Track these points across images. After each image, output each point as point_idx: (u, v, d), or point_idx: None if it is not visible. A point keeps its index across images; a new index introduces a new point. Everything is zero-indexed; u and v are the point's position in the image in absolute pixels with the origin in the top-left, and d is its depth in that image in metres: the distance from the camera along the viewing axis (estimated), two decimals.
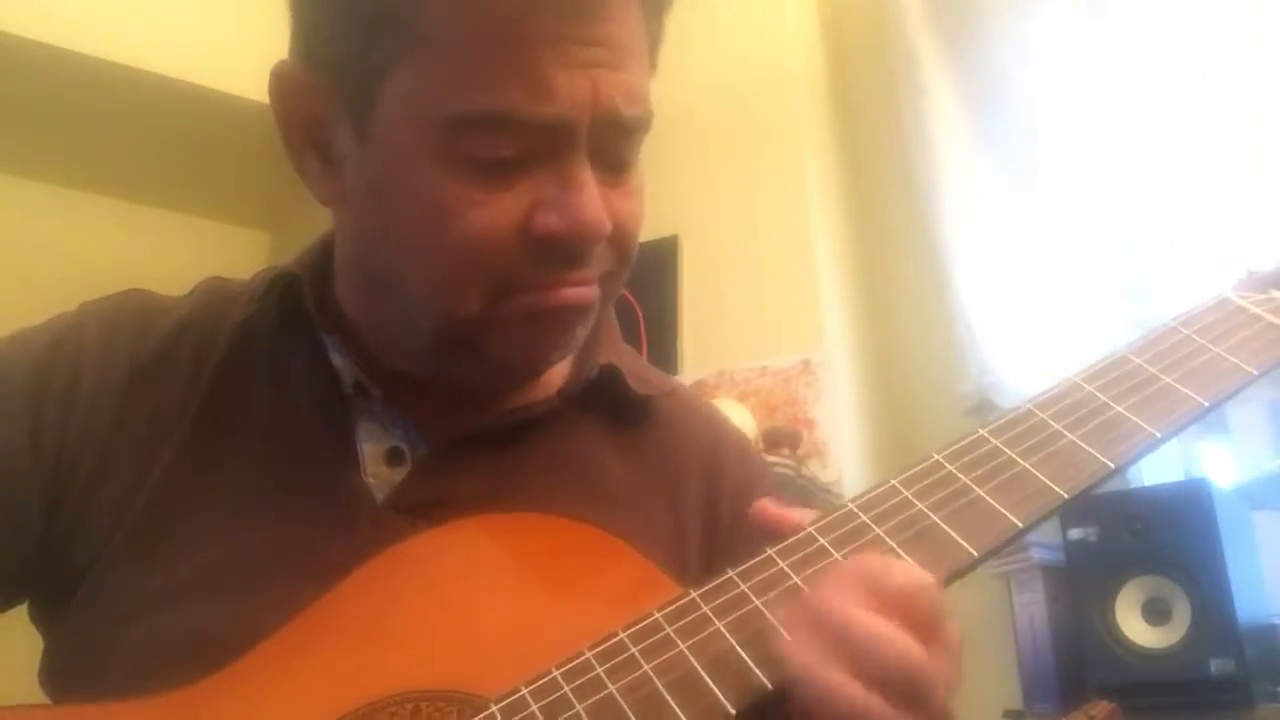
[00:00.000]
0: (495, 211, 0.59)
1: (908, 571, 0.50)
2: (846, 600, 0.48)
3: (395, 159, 0.60)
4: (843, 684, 0.46)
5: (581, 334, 0.67)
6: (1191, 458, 1.89)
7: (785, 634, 0.49)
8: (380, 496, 0.67)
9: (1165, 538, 1.62)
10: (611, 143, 0.61)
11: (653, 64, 0.67)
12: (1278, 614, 1.66)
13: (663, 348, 2.35)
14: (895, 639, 0.47)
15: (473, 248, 0.59)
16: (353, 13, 0.59)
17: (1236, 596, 1.54)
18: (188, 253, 3.00)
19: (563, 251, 0.61)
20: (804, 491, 2.03)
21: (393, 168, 0.61)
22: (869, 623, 0.47)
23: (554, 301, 0.62)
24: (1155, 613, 1.62)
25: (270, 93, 0.65)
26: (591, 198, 0.60)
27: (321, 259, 0.73)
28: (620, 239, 0.64)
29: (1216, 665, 1.52)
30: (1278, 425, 1.83)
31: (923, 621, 0.48)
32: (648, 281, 2.32)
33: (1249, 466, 1.82)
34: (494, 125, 0.57)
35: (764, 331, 2.30)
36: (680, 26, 0.68)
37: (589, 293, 0.64)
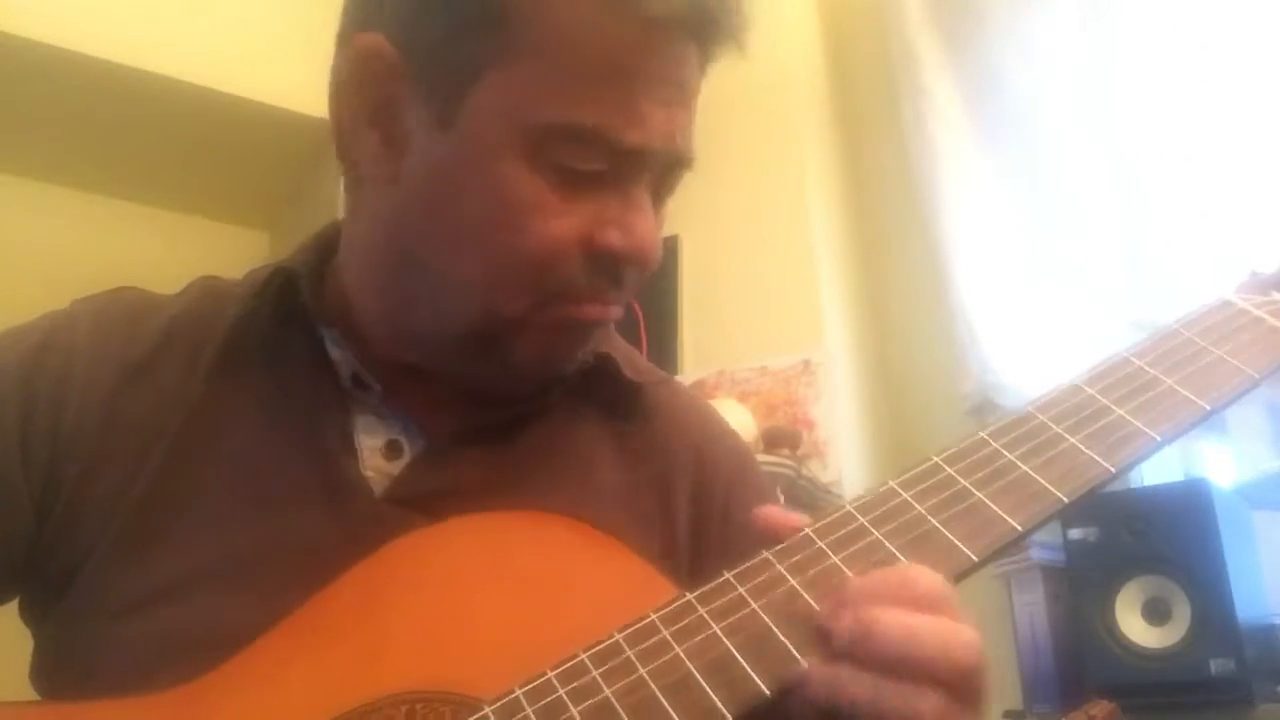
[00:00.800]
0: (567, 220, 0.62)
1: (930, 575, 0.50)
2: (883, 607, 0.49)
3: (480, 151, 0.62)
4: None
5: (590, 346, 0.71)
6: (1191, 458, 1.89)
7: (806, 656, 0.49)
8: (378, 489, 0.67)
9: (1165, 538, 1.61)
10: (667, 176, 0.66)
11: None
12: (1278, 614, 1.66)
13: (663, 348, 2.35)
14: (954, 630, 0.49)
15: (540, 250, 0.62)
16: (460, 6, 0.61)
17: (1236, 596, 1.54)
18: (188, 253, 3.00)
19: (615, 269, 0.64)
20: (804, 491, 2.03)
21: (475, 159, 0.62)
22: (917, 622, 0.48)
23: (588, 314, 0.66)
24: (1155, 613, 1.61)
25: (355, 59, 0.64)
26: (651, 223, 0.64)
27: (318, 254, 0.73)
28: (651, 263, 0.67)
29: (1216, 665, 1.51)
30: (1278, 425, 1.83)
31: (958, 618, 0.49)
32: (648, 281, 2.31)
33: (1249, 466, 1.82)
34: (586, 141, 0.60)
35: (764, 331, 2.30)
36: None
37: (616, 311, 0.68)
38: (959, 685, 0.47)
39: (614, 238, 0.62)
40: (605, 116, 0.60)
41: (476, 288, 0.64)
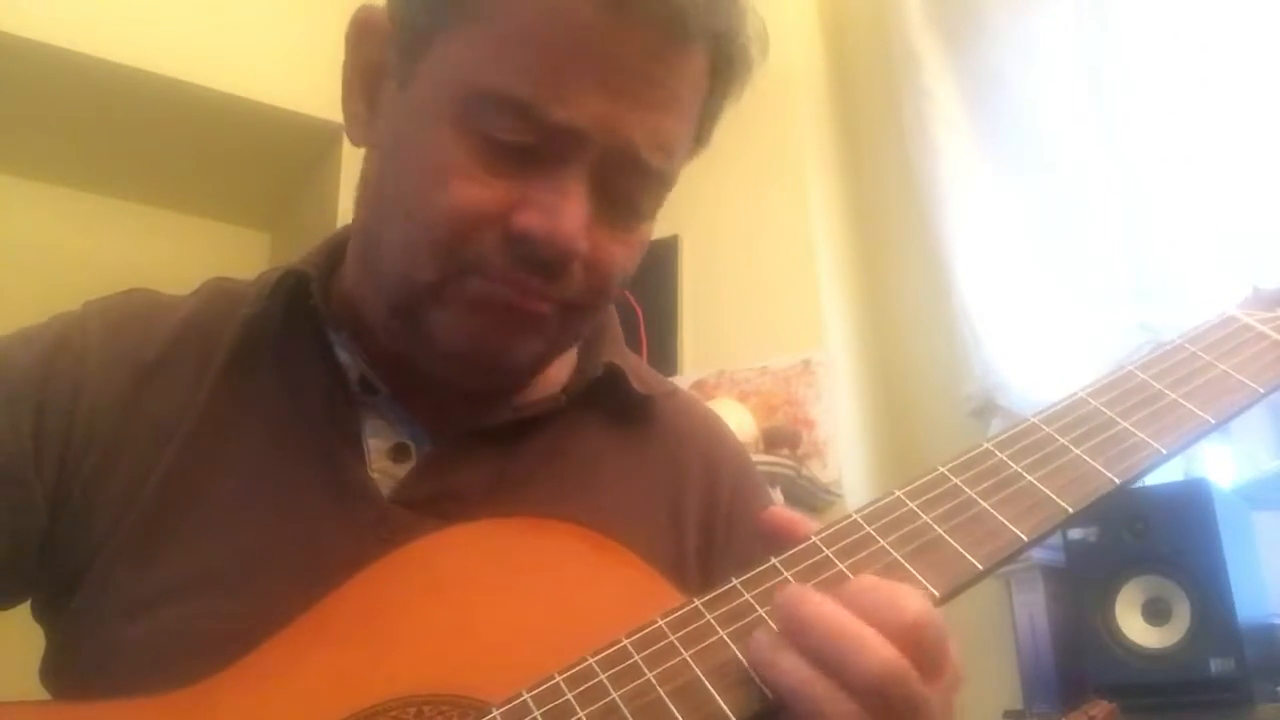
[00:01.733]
0: (484, 190, 0.60)
1: (919, 603, 0.48)
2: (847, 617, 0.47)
3: (419, 115, 0.62)
4: (830, 697, 0.46)
5: (530, 345, 0.66)
6: (1191, 458, 1.89)
7: (769, 642, 0.48)
8: (385, 492, 0.67)
9: (1165, 538, 1.61)
10: (623, 180, 0.62)
11: (701, 139, 0.68)
12: (1278, 614, 1.67)
13: (663, 348, 2.36)
14: (892, 656, 0.46)
15: (450, 217, 0.60)
16: None
17: (1236, 596, 1.54)
18: (188, 253, 3.01)
19: (531, 254, 0.60)
20: (804, 491, 2.04)
21: (414, 121, 0.62)
22: (869, 640, 0.46)
23: (503, 297, 0.62)
24: (1155, 613, 1.62)
25: (349, 28, 0.67)
26: (575, 212, 0.60)
27: (328, 258, 0.74)
28: (596, 272, 0.64)
29: (1216, 665, 1.52)
30: (1278, 425, 1.83)
31: (931, 654, 0.47)
32: (648, 281, 2.32)
33: (1249, 466, 1.83)
34: (513, 110, 0.58)
35: (764, 331, 2.30)
36: None
37: (541, 306, 0.63)
38: (876, 703, 0.45)
39: (532, 219, 0.60)
40: (534, 88, 0.58)
41: (396, 251, 0.63)
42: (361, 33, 0.67)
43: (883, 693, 0.45)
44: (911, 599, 0.48)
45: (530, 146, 0.59)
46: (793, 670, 0.47)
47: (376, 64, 0.66)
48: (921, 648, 0.47)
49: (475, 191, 0.60)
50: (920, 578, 0.51)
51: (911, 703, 0.46)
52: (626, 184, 0.63)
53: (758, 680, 0.48)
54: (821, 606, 0.47)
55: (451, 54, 0.60)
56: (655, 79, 0.60)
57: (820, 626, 0.47)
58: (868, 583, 0.49)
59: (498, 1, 0.59)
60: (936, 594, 0.50)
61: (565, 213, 0.60)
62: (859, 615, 0.47)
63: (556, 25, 0.58)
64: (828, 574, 0.52)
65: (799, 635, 0.47)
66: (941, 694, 0.48)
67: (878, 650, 0.46)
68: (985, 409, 2.08)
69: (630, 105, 0.59)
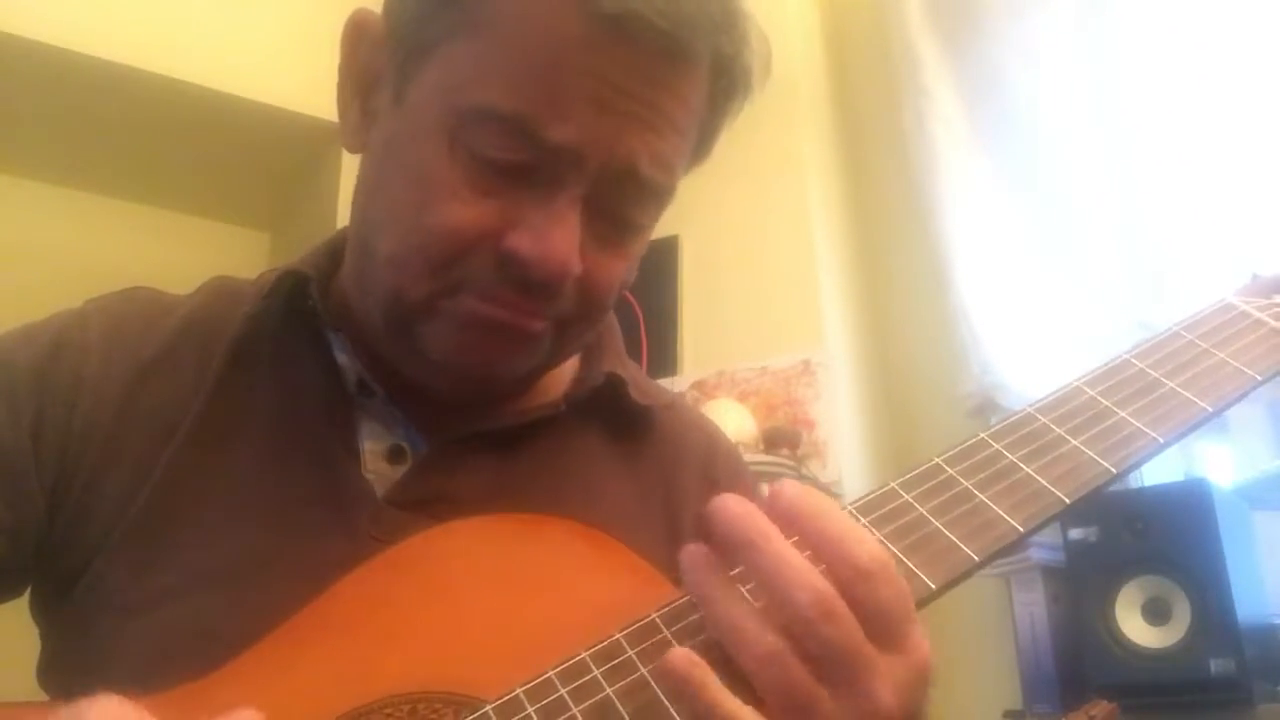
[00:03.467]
0: (476, 211, 0.59)
1: (874, 551, 0.46)
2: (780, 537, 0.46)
3: (413, 128, 0.61)
4: (746, 627, 0.45)
5: (521, 360, 0.66)
6: (1191, 458, 1.89)
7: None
8: (380, 493, 0.67)
9: (1165, 538, 1.61)
10: (621, 198, 0.61)
11: (701, 154, 0.68)
12: (1278, 614, 1.66)
13: (663, 348, 2.35)
14: (823, 586, 0.44)
15: (441, 235, 0.60)
16: None
17: (1236, 596, 1.54)
18: (188, 253, 3.00)
19: (522, 277, 0.60)
20: None
21: (408, 135, 0.62)
22: (795, 563, 0.45)
23: (494, 315, 0.62)
24: (1155, 613, 1.62)
25: (345, 32, 0.66)
26: (567, 236, 0.59)
27: (328, 259, 0.74)
28: (590, 291, 0.64)
29: (1216, 665, 1.51)
30: (1278, 425, 1.83)
31: (882, 612, 0.45)
32: (648, 281, 2.31)
33: (1249, 466, 1.82)
34: (505, 129, 0.58)
35: (764, 331, 2.30)
36: None
37: (533, 325, 0.63)
38: (807, 643, 0.44)
39: (522, 242, 0.59)
40: (529, 106, 0.57)
41: (387, 266, 0.63)
42: (357, 36, 0.66)
43: (810, 629, 0.44)
44: (865, 544, 0.47)
45: (525, 165, 0.59)
46: (722, 598, 0.46)
47: (372, 69, 0.65)
48: (868, 602, 0.45)
49: (467, 212, 0.59)
50: (917, 570, 0.51)
51: (848, 652, 0.44)
52: (623, 200, 0.62)
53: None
54: (756, 521, 0.46)
55: (448, 69, 0.60)
56: (654, 99, 0.59)
57: (749, 545, 0.46)
58: (825, 508, 0.48)
59: (496, 18, 0.58)
60: (933, 586, 0.50)
61: (557, 236, 0.59)
62: (802, 543, 0.46)
63: (554, 44, 0.57)
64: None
65: (732, 551, 0.47)
66: (903, 671, 0.46)
67: (805, 575, 0.45)
68: (983, 407, 2.08)
69: (628, 125, 0.59)
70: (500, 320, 0.62)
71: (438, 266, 0.61)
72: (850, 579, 0.46)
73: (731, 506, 0.48)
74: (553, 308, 0.63)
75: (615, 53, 0.57)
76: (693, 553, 0.49)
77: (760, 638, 0.45)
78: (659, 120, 0.60)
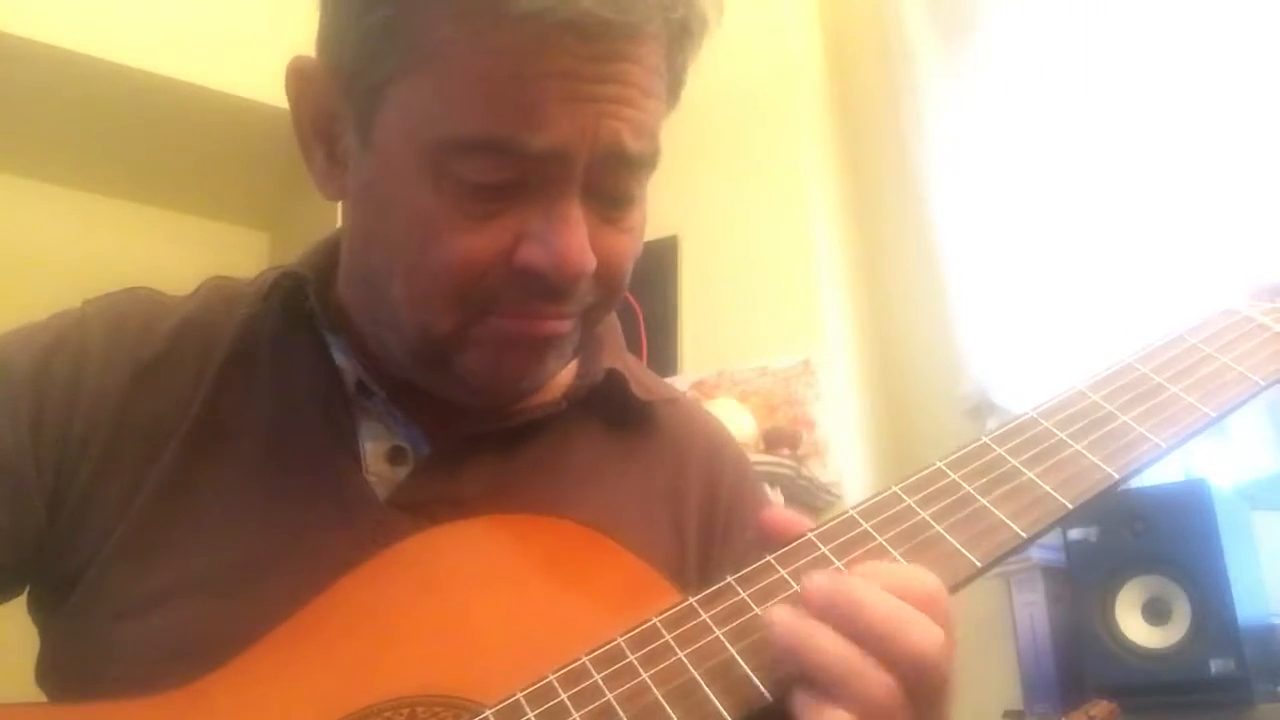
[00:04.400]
0: (481, 238, 0.59)
1: (929, 576, 0.49)
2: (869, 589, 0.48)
3: (390, 170, 0.61)
4: (869, 673, 0.46)
5: (554, 363, 0.67)
6: (1191, 458, 1.89)
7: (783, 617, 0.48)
8: (382, 495, 0.67)
9: (1165, 538, 1.62)
10: (613, 177, 0.61)
11: (673, 101, 0.67)
12: (1278, 614, 1.67)
13: (663, 348, 2.35)
14: (940, 634, 0.47)
15: (452, 270, 0.60)
16: (367, 18, 0.59)
17: (1236, 596, 1.54)
18: (188, 253, 3.00)
19: (542, 286, 0.60)
20: (804, 491, 2.04)
21: (387, 177, 0.61)
22: (894, 606, 0.47)
23: (527, 330, 0.63)
24: (1155, 613, 1.62)
25: (287, 82, 0.65)
26: (577, 236, 0.60)
27: (326, 259, 0.73)
28: (607, 275, 0.64)
29: (1216, 665, 1.52)
30: (1278, 426, 1.83)
31: (943, 624, 0.48)
32: (648, 281, 2.32)
33: (1249, 466, 1.82)
34: (487, 152, 0.58)
35: (764, 331, 2.30)
36: None
37: (563, 326, 0.64)
38: (914, 677, 0.46)
39: (535, 254, 0.59)
40: (502, 126, 0.57)
41: (406, 309, 0.63)
42: (301, 83, 0.65)
43: (921, 668, 0.46)
44: (925, 575, 0.49)
45: (515, 180, 0.59)
46: (832, 647, 0.46)
47: (325, 112, 0.64)
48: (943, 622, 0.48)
49: (473, 240, 0.59)
50: None
51: (945, 678, 0.47)
52: (616, 179, 0.62)
53: (787, 660, 0.47)
54: (860, 584, 0.48)
55: (410, 107, 0.59)
56: (618, 75, 0.59)
57: (867, 605, 0.47)
58: (882, 565, 0.50)
59: (443, 48, 0.57)
60: None
61: (566, 238, 0.59)
62: (892, 593, 0.48)
63: (508, 59, 0.56)
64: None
65: (837, 612, 0.47)
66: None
67: (927, 627, 0.47)
68: (981, 407, 2.08)
69: (602, 109, 0.58)
70: (534, 333, 0.63)
71: (458, 298, 0.61)
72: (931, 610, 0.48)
73: (828, 574, 0.49)
74: (576, 303, 0.64)
75: (574, 48, 0.57)
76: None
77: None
78: (630, 93, 0.59)
